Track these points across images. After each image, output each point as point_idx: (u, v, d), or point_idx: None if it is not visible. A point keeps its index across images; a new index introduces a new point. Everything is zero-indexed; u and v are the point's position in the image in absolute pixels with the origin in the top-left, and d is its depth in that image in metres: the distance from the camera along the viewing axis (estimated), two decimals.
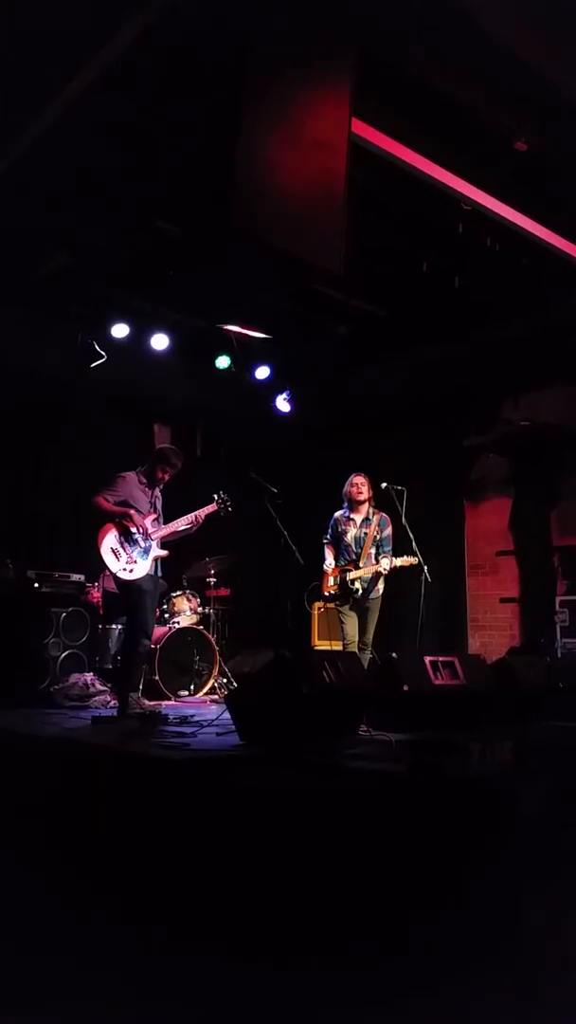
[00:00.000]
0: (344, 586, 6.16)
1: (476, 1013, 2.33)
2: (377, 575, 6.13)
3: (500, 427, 8.33)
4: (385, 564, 6.05)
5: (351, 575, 6.15)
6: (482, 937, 2.58)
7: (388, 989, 2.38)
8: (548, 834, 3.02)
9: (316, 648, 8.12)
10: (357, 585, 6.12)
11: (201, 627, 7.41)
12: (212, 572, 7.69)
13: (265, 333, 8.15)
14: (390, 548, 6.21)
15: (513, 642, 7.99)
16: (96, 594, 7.25)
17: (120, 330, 7.62)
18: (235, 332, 8.03)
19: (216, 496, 6.19)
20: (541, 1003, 2.39)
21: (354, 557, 6.23)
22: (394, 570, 6.06)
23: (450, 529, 8.43)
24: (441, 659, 4.72)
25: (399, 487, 6.05)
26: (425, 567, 5.96)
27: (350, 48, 4.42)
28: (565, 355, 7.43)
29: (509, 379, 8.13)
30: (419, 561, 6.08)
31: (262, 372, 8.71)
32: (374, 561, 6.15)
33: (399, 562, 6.06)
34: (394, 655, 5.11)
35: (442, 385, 8.51)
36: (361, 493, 6.27)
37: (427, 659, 4.67)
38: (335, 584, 6.24)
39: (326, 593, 6.36)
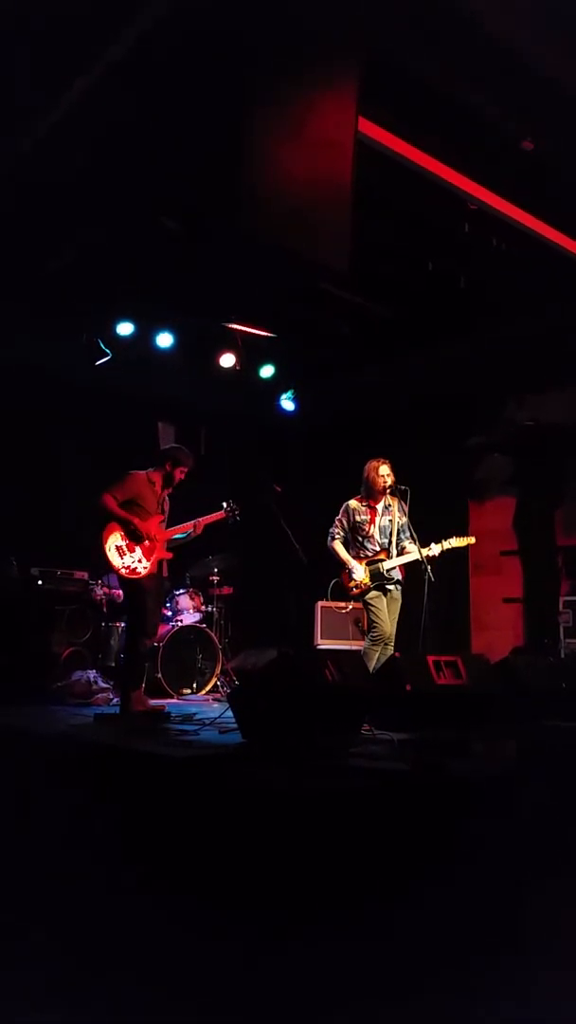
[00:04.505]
0: (380, 577, 5.87)
1: (477, 1010, 2.33)
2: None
3: (504, 427, 8.32)
4: (436, 548, 5.77)
5: (386, 564, 5.86)
6: (482, 935, 2.58)
7: (388, 987, 2.39)
8: (549, 833, 3.02)
9: (319, 647, 8.12)
10: (395, 575, 5.87)
11: (204, 625, 7.42)
12: (215, 570, 7.70)
13: (270, 332, 8.14)
14: (408, 534, 5.95)
15: (517, 642, 7.97)
16: (99, 592, 7.26)
17: (125, 328, 7.62)
18: (240, 331, 8.03)
19: (225, 504, 6.20)
20: (542, 1000, 2.39)
21: (380, 547, 5.95)
22: (431, 558, 5.77)
23: (454, 528, 8.39)
24: (444, 659, 4.72)
25: (403, 487, 6.01)
26: (429, 566, 5.90)
27: (356, 48, 4.42)
28: (570, 356, 7.42)
29: (514, 379, 8.11)
30: (468, 543, 5.95)
31: (266, 371, 8.71)
32: (397, 549, 5.94)
33: (454, 543, 5.82)
34: (397, 654, 5.11)
35: (447, 385, 8.49)
36: (385, 482, 5.96)
37: (430, 658, 4.66)
38: (365, 577, 5.90)
39: (352, 588, 5.99)
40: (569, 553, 7.85)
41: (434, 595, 5.88)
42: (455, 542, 5.88)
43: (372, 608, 5.94)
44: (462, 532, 6.13)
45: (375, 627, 5.90)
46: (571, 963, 2.54)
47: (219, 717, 4.79)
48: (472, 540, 5.98)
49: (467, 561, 8.50)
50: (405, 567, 6.00)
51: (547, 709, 4.87)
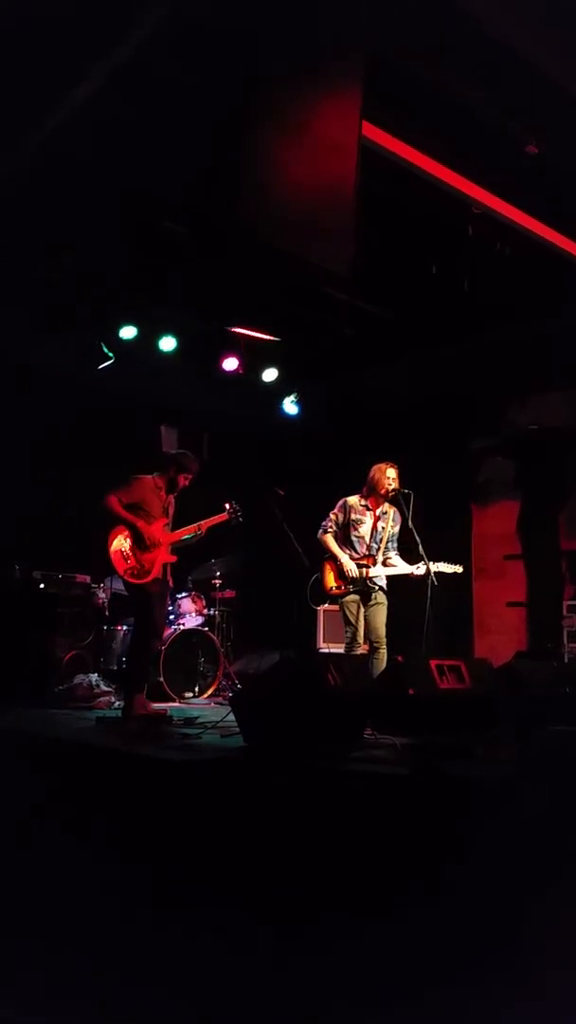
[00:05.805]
0: (362, 583, 5.81)
1: (477, 1011, 2.32)
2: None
3: (507, 430, 8.32)
4: (422, 568, 5.66)
5: (371, 571, 5.81)
6: (483, 937, 2.57)
7: (389, 989, 2.38)
8: (553, 838, 3.00)
9: (321, 650, 8.10)
10: (377, 583, 5.82)
11: (206, 629, 7.41)
12: (218, 574, 7.69)
13: (273, 335, 8.14)
14: (395, 545, 5.93)
15: (520, 646, 7.96)
16: (102, 595, 7.25)
17: (128, 332, 7.63)
18: (243, 334, 8.03)
19: (228, 506, 6.19)
20: (542, 1001, 2.39)
21: (367, 551, 5.88)
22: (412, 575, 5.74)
23: (457, 532, 8.39)
24: (447, 663, 4.71)
25: (406, 490, 5.97)
26: (432, 571, 5.85)
27: (359, 51, 4.42)
28: (573, 358, 7.42)
29: (516, 382, 8.11)
30: (460, 569, 5.89)
31: (269, 374, 8.70)
32: (382, 558, 5.88)
33: (443, 568, 5.71)
34: (399, 658, 5.10)
35: (449, 387, 8.49)
36: (389, 485, 5.85)
37: (433, 662, 4.65)
38: (343, 578, 5.85)
39: (332, 588, 5.92)
40: (573, 557, 7.83)
41: (437, 599, 5.86)
42: (444, 567, 5.78)
43: (345, 611, 5.89)
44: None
45: (347, 630, 5.89)
46: (573, 965, 2.53)
47: (221, 721, 4.78)
48: (459, 569, 5.90)
49: (470, 565, 8.49)
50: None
51: (550, 713, 4.86)
